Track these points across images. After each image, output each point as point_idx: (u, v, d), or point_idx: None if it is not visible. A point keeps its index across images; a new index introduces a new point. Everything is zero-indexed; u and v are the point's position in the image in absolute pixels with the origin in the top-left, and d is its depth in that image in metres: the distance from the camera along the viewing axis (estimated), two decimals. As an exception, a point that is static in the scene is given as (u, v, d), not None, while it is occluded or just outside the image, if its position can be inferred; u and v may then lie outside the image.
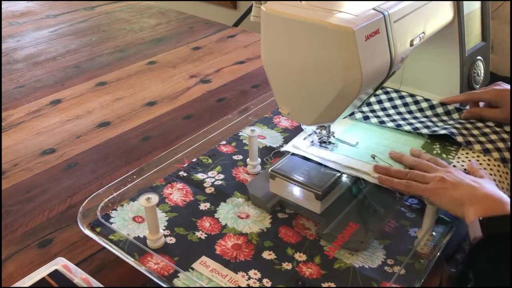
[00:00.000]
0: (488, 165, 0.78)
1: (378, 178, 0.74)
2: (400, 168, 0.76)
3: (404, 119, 0.91)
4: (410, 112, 0.93)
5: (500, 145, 0.81)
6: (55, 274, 0.62)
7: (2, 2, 1.84)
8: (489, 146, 0.81)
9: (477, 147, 0.81)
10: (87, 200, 0.74)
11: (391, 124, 0.89)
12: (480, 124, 0.87)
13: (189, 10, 1.81)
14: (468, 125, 0.86)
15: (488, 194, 0.64)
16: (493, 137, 0.83)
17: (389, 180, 0.73)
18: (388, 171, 0.75)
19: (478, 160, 0.79)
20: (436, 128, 0.86)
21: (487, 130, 0.85)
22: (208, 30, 1.58)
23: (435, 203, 0.67)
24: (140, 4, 1.84)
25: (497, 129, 0.85)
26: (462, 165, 0.78)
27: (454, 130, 0.84)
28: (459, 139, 0.82)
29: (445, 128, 0.85)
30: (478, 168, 0.75)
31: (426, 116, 0.91)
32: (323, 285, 0.61)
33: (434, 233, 0.68)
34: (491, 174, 0.76)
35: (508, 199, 0.63)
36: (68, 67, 1.32)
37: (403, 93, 0.97)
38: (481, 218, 0.60)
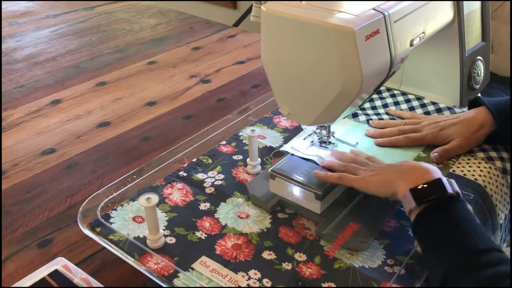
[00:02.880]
0: (489, 173, 0.77)
1: (314, 174, 0.72)
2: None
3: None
4: None
5: (504, 154, 0.80)
6: (55, 274, 0.62)
7: (2, 2, 1.84)
8: (493, 154, 0.80)
9: (480, 155, 0.80)
10: (87, 200, 0.75)
11: None
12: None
13: (189, 10, 1.81)
14: None
15: (414, 166, 0.65)
16: (499, 145, 0.82)
17: (323, 174, 0.72)
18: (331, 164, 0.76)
19: (479, 167, 0.78)
20: None
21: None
22: (208, 30, 1.58)
23: (367, 191, 0.68)
24: (140, 4, 1.84)
25: None
26: (462, 171, 0.77)
27: None
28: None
29: None
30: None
31: None
32: (323, 285, 0.61)
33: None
34: (489, 183, 0.76)
35: (435, 168, 0.63)
36: (68, 67, 1.32)
37: (410, 96, 0.96)
38: (411, 188, 0.61)
